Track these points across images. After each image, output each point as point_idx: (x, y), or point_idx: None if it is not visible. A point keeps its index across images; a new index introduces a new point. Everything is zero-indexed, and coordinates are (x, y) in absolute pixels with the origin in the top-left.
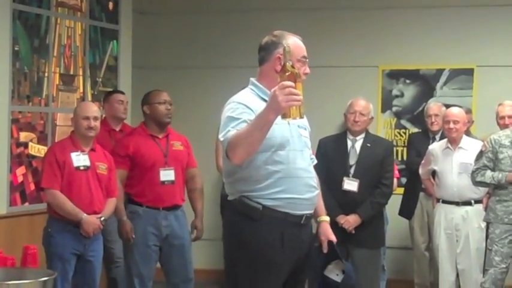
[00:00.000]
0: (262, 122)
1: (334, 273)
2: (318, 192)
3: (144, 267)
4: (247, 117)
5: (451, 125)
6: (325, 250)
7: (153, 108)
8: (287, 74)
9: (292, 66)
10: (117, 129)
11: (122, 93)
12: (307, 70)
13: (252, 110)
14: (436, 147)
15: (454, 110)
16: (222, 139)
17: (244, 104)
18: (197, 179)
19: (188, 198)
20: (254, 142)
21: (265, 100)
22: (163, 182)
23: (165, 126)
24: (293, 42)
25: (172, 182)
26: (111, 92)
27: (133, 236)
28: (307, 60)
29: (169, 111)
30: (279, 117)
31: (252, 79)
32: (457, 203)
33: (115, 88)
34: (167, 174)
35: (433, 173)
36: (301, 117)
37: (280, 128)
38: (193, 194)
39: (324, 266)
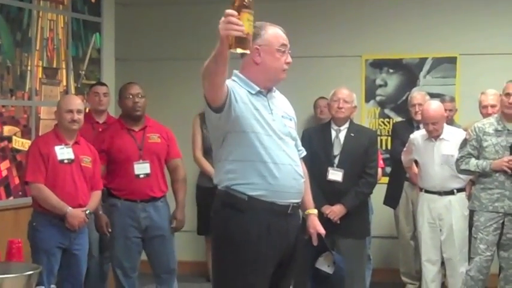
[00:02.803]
0: (215, 53)
1: (325, 265)
2: (303, 180)
3: (125, 259)
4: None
5: (430, 127)
6: (315, 243)
7: (122, 103)
8: (235, 4)
9: None
10: (101, 121)
11: (103, 84)
12: (289, 59)
13: (236, 91)
14: (418, 136)
15: (432, 111)
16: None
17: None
18: (179, 169)
19: (171, 189)
20: (212, 73)
21: (248, 91)
22: (138, 176)
23: (138, 119)
24: (272, 31)
25: (147, 175)
26: (92, 85)
27: (110, 230)
28: (288, 49)
29: (136, 104)
30: (270, 115)
31: (235, 71)
32: (439, 193)
33: (98, 81)
34: (142, 168)
35: (416, 161)
36: (245, 50)
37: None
38: (175, 185)
39: (315, 258)
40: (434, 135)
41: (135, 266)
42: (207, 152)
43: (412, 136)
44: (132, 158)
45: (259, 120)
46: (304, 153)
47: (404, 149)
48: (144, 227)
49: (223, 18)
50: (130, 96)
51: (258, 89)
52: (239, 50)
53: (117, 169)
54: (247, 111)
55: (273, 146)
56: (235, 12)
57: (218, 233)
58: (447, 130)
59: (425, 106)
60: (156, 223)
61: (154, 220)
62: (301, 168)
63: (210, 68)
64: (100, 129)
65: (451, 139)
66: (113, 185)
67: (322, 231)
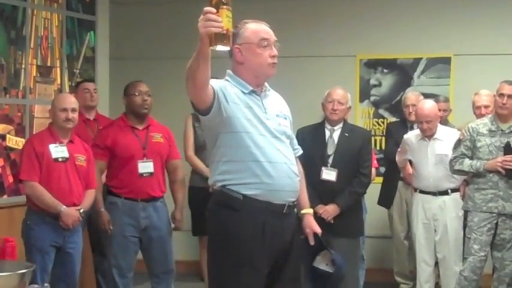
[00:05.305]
0: (196, 52)
1: (323, 264)
2: (299, 179)
3: (122, 258)
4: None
5: (425, 126)
6: (312, 242)
7: (130, 100)
8: (212, 1)
9: None
10: (91, 118)
11: (90, 81)
12: (274, 52)
13: (227, 91)
14: (412, 136)
15: (426, 110)
16: None
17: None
18: (178, 170)
19: (170, 190)
20: (194, 72)
21: (242, 90)
22: (141, 174)
23: (143, 118)
24: (250, 28)
25: (151, 174)
26: (79, 82)
27: (111, 228)
28: (271, 42)
29: (145, 102)
30: (264, 114)
31: (229, 71)
32: (433, 193)
33: (92, 79)
34: (146, 167)
35: (410, 161)
36: (225, 46)
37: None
38: (174, 186)
39: (312, 258)
40: (428, 134)
41: (131, 265)
42: (199, 151)
43: (405, 136)
44: (136, 156)
45: (252, 119)
46: (300, 152)
47: (399, 149)
48: (143, 226)
49: (201, 16)
50: (139, 94)
51: (250, 88)
52: (219, 47)
53: (120, 167)
54: (238, 112)
55: (266, 145)
56: (213, 9)
57: (213, 232)
58: (441, 130)
59: (420, 105)
60: (156, 223)
61: (154, 220)
62: (296, 167)
63: (192, 67)
64: (93, 126)
65: (445, 139)
66: (113, 183)
67: (318, 230)
